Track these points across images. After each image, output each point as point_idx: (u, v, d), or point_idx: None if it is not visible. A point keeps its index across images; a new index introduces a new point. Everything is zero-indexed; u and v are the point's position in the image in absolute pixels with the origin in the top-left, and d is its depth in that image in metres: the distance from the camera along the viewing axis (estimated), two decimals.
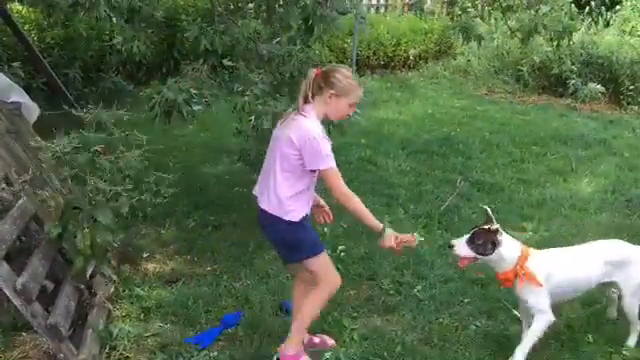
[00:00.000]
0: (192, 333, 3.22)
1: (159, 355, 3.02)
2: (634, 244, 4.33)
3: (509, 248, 2.92)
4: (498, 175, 5.78)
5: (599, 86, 5.81)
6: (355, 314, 3.47)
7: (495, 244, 2.89)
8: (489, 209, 2.97)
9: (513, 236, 4.39)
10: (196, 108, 3.93)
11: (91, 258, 3.09)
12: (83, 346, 2.82)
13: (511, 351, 3.02)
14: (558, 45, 5.47)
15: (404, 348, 3.15)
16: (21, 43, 7.21)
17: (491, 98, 9.43)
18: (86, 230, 3.02)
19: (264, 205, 2.83)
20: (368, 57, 10.58)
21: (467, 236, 2.94)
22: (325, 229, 4.49)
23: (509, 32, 8.55)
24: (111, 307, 3.27)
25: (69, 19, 7.01)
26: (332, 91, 2.73)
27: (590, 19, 10.28)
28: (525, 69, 9.44)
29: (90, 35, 8.75)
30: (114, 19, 3.87)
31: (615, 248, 3.15)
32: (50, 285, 3.29)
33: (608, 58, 8.96)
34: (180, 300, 3.52)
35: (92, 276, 3.28)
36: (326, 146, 2.73)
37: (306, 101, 2.79)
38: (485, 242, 2.89)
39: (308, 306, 2.95)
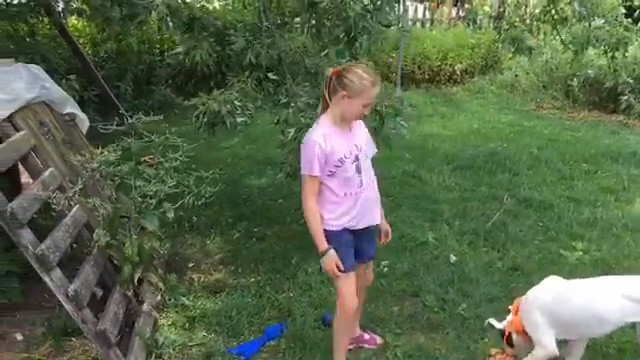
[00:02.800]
0: (235, 344, 3.24)
1: None
2: None
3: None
4: (546, 192, 5.64)
5: None
6: (398, 330, 3.43)
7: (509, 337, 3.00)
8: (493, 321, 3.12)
9: (563, 255, 4.35)
10: (239, 120, 3.98)
11: (138, 265, 3.15)
12: (130, 353, 2.87)
13: None
14: (613, 57, 5.31)
15: None
16: (76, 56, 7.48)
17: (539, 114, 9.24)
18: (134, 237, 3.09)
19: None
20: (413, 71, 10.54)
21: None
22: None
23: (560, 46, 8.40)
24: (157, 315, 3.32)
25: (122, 33, 7.24)
26: (344, 92, 2.66)
27: None
28: (575, 84, 9.21)
29: (141, 49, 9.04)
30: (172, 27, 3.94)
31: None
32: (99, 292, 3.38)
33: None
34: (224, 310, 3.55)
35: (140, 284, 3.34)
36: (309, 151, 2.69)
37: (326, 102, 2.76)
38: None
39: (334, 334, 2.99)
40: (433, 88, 10.58)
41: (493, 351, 3.20)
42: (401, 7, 4.06)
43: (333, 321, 3.38)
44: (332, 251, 2.77)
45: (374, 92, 2.71)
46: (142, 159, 3.38)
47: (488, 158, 6.55)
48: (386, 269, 4.12)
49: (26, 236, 2.65)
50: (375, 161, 6.49)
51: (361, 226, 2.90)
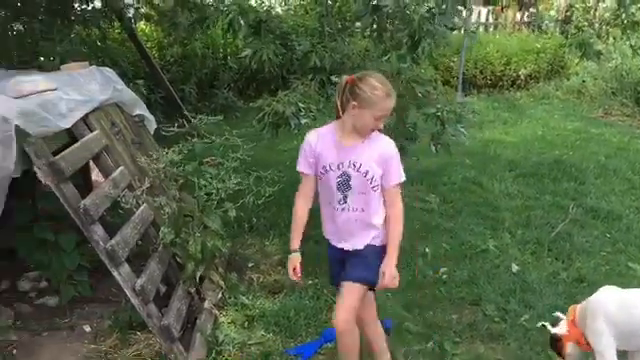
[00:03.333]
0: (293, 344, 3.27)
1: None
2: None
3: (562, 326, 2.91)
4: (615, 202, 5.42)
5: None
6: (457, 339, 3.37)
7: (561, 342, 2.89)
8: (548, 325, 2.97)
9: (631, 268, 4.18)
10: (303, 121, 4.03)
11: (201, 263, 3.24)
12: (192, 349, 2.95)
13: None
14: None
15: None
16: (144, 60, 7.75)
17: (607, 121, 8.89)
18: (197, 235, 3.18)
19: None
20: (475, 76, 10.37)
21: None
22: (426, 249, 4.43)
23: (631, 51, 8.08)
24: (218, 313, 3.39)
25: (188, 38, 7.45)
26: (354, 102, 2.46)
27: None
28: None
29: (205, 53, 9.27)
30: (242, 32, 4.04)
31: None
32: (162, 288, 3.48)
33: None
34: (282, 311, 3.59)
35: (201, 282, 3.42)
36: (302, 147, 2.62)
37: (337, 111, 2.55)
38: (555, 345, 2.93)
39: None
40: (495, 93, 10.37)
41: None
42: (464, 11, 3.98)
43: (387, 327, 3.38)
44: (296, 254, 2.71)
45: (387, 104, 2.47)
46: (204, 160, 3.49)
47: (553, 166, 6.36)
48: (445, 276, 4.06)
49: (98, 232, 2.76)
50: (435, 166, 6.42)
51: (340, 246, 2.72)
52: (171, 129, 3.48)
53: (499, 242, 4.59)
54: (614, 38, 9.98)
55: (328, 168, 2.57)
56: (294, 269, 2.70)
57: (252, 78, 9.51)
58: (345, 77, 2.55)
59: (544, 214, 5.13)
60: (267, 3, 9.80)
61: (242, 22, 4.07)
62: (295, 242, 2.72)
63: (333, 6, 5.60)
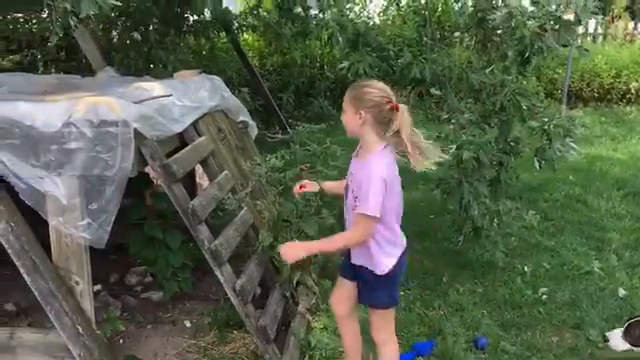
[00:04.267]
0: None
1: None
2: None
3: None
4: None
5: None
6: None
7: None
8: None
9: None
10: None
11: (297, 268, 3.30)
12: (286, 351, 3.01)
13: None
14: None
15: None
16: (246, 68, 8.04)
17: None
18: (295, 240, 3.24)
19: None
20: (581, 89, 9.90)
21: (623, 328, 2.70)
22: (526, 268, 4.27)
23: None
24: (310, 318, 3.45)
25: (288, 48, 7.66)
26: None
27: None
28: None
29: (304, 63, 9.48)
30: (341, 44, 4.13)
31: None
32: (258, 290, 3.59)
33: None
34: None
35: (296, 286, 3.49)
36: None
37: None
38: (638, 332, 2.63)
39: None
40: (603, 107, 9.84)
41: None
42: (579, 28, 3.81)
43: (482, 345, 3.29)
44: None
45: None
46: (301, 166, 3.56)
47: None
48: (545, 297, 3.89)
49: (204, 232, 2.89)
50: (536, 182, 6.19)
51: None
52: (276, 136, 3.60)
53: (605, 264, 4.34)
54: None
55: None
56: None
57: (346, 88, 9.59)
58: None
59: None
60: (366, 13, 9.89)
61: (340, 38, 4.15)
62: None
63: (432, 16, 5.54)
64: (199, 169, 4.06)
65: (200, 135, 3.46)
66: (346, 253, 2.79)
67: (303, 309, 3.40)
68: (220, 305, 3.60)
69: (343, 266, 2.85)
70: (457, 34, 5.72)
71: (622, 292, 3.94)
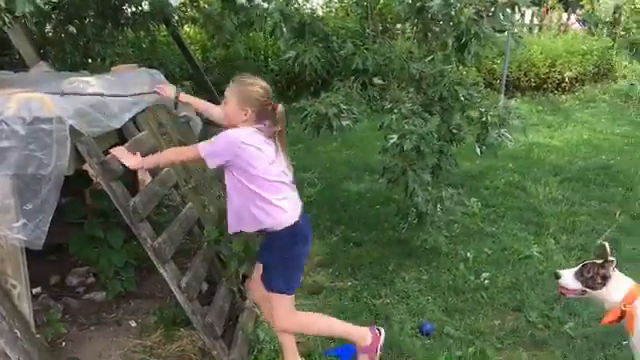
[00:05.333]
0: (333, 345, 3.28)
1: None
2: None
3: (618, 285, 2.66)
4: None
5: None
6: (499, 345, 3.33)
7: (605, 278, 2.66)
8: (607, 245, 2.71)
9: None
10: (344, 123, 4.03)
11: (244, 261, 3.28)
12: (234, 346, 3.00)
13: None
14: None
15: None
16: (188, 62, 7.88)
17: None
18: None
19: None
20: (518, 78, 10.21)
21: (576, 268, 2.76)
22: (468, 254, 4.39)
23: None
24: (259, 312, 3.43)
25: (231, 40, 7.55)
26: None
27: None
28: None
29: (247, 55, 9.39)
30: (285, 34, 4.10)
31: None
32: (205, 286, 3.55)
33: None
34: (322, 312, 3.59)
35: (244, 280, 3.47)
36: None
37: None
38: (594, 276, 2.68)
39: None
40: (539, 96, 10.19)
41: None
42: (515, 13, 3.90)
43: (428, 331, 3.37)
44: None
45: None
46: None
47: (599, 171, 6.22)
48: (487, 281, 4.01)
49: (146, 229, 2.83)
50: (477, 170, 6.34)
51: None
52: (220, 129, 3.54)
53: (543, 248, 4.51)
54: None
55: None
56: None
57: (292, 80, 9.58)
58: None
59: (590, 220, 5.03)
60: (309, 5, 9.87)
61: (285, 29, 4.13)
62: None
63: (374, 8, 5.59)
64: None
65: (140, 130, 3.38)
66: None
67: (251, 303, 3.38)
68: (166, 303, 3.54)
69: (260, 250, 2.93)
70: (399, 25, 5.77)
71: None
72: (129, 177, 3.65)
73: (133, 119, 3.35)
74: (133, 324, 3.54)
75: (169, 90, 3.22)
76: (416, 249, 4.43)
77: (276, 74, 9.66)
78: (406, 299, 3.83)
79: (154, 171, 3.36)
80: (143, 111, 3.51)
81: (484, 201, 5.44)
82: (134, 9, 6.01)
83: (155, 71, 4.11)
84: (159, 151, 3.04)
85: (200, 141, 2.80)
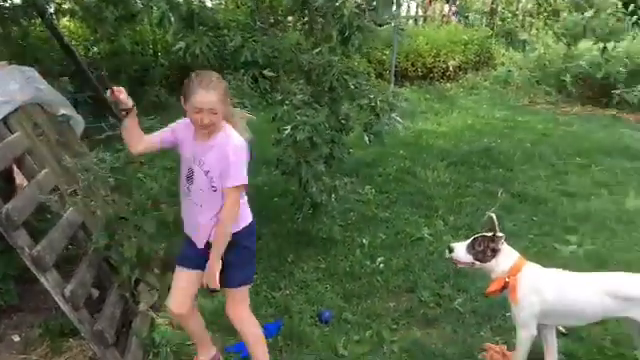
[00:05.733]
0: (233, 341, 3.25)
1: None
2: None
3: (505, 257, 2.86)
4: (541, 187, 5.68)
5: None
6: (394, 326, 3.45)
7: (495, 251, 2.84)
8: (494, 217, 2.89)
9: (557, 249, 4.39)
10: None
11: (136, 266, 3.16)
12: (127, 353, 2.89)
13: None
14: (605, 48, 5.33)
15: None
16: (69, 58, 7.45)
17: (532, 109, 9.27)
18: (133, 239, 3.10)
19: None
20: (407, 68, 10.56)
21: (468, 241, 2.91)
22: (364, 240, 4.50)
23: (552, 41, 8.44)
24: (154, 315, 3.33)
25: (115, 34, 7.23)
26: (182, 97, 2.54)
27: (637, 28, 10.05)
28: (568, 79, 9.25)
29: (135, 50, 9.02)
30: (173, 24, 3.95)
31: (630, 282, 2.78)
32: (95, 292, 3.39)
33: None
34: (221, 308, 3.52)
35: (136, 284, 3.34)
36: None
37: None
38: (485, 249, 2.85)
39: None
40: (427, 85, 10.61)
41: (486, 345, 3.23)
42: (394, 6, 4.04)
43: (327, 318, 3.42)
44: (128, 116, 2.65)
45: (200, 97, 2.45)
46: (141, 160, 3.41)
47: (482, 154, 6.58)
48: (382, 265, 4.14)
49: (22, 237, 2.65)
50: (370, 158, 6.51)
51: (189, 234, 2.76)
52: (100, 128, 3.38)
53: (433, 230, 4.72)
54: (537, 29, 10.42)
55: (184, 155, 2.67)
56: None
57: (184, 74, 9.30)
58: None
59: (475, 200, 5.32)
60: None
61: (173, 18, 4.00)
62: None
63: (264, 1, 5.57)
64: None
65: (12, 132, 3.15)
66: (186, 242, 2.75)
67: (145, 307, 3.27)
68: (52, 314, 3.34)
69: (184, 256, 2.79)
70: (291, 18, 5.78)
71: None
72: (4, 182, 3.40)
73: (4, 119, 3.12)
74: (16, 339, 3.30)
75: (127, 100, 2.60)
76: (314, 239, 4.48)
77: (167, 69, 9.37)
78: (305, 289, 3.87)
79: (30, 174, 3.15)
80: (15, 111, 3.28)
81: (378, 188, 5.60)
82: (2, 2, 5.58)
83: (28, 68, 3.86)
84: (33, 153, 2.85)
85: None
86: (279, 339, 3.28)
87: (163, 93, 8.98)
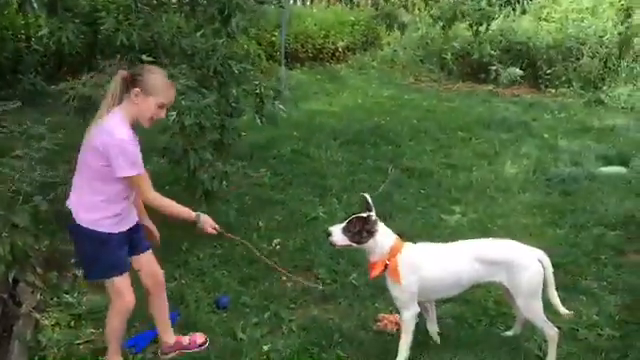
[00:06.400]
0: (127, 337, 3.14)
1: None
2: (555, 220, 4.59)
3: (383, 239, 2.90)
4: (427, 161, 5.94)
5: (518, 70, 6.04)
6: (293, 305, 3.50)
7: (370, 233, 2.87)
8: (368, 197, 2.95)
9: (443, 219, 4.63)
10: None
11: (12, 265, 2.94)
12: (9, 358, 2.70)
13: (440, 331, 3.15)
14: (477, 31, 5.65)
15: (342, 335, 3.21)
16: None
17: (418, 87, 9.65)
18: (5, 235, 2.88)
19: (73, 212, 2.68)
20: (297, 50, 10.57)
21: (343, 224, 2.91)
22: (260, 223, 4.50)
23: (432, 20, 8.79)
24: (38, 316, 3.14)
25: None
26: (137, 89, 2.59)
27: (508, 6, 10.70)
28: (448, 57, 9.70)
29: (5, 35, 8.37)
30: (36, 10, 3.68)
31: (494, 248, 3.00)
32: None
33: (526, 44, 9.36)
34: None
35: (16, 284, 3.13)
36: (133, 149, 2.60)
37: (114, 103, 2.65)
38: (360, 230, 2.86)
39: (108, 332, 2.89)
40: (317, 66, 10.69)
41: (380, 316, 3.35)
42: None
43: (224, 304, 3.40)
44: (204, 214, 2.88)
45: (171, 93, 2.69)
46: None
47: (372, 132, 6.77)
48: (278, 247, 4.17)
49: None
50: (264, 141, 6.47)
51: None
52: None
53: (327, 208, 4.80)
54: (419, 9, 10.79)
55: None
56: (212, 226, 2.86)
57: (61, 60, 8.78)
58: (123, 72, 2.67)
59: (367, 177, 5.47)
60: None
61: (35, 4, 3.74)
62: (191, 211, 2.86)
63: None
64: None
65: None
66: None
67: (28, 308, 3.07)
68: None
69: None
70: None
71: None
72: None
73: None
74: None
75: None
76: None
77: (42, 55, 8.75)
78: (201, 276, 3.82)
79: None
80: None
81: (272, 170, 5.60)
82: None
83: None
84: None
85: None
86: (175, 329, 3.20)
87: (39, 81, 8.40)
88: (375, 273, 2.93)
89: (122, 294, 2.76)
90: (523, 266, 2.89)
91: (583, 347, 3.15)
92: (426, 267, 2.91)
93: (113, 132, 2.54)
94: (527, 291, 2.89)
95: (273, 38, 10.17)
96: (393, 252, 2.89)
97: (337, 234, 2.90)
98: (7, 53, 8.39)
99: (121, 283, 2.75)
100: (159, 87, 2.62)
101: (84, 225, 2.64)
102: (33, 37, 8.73)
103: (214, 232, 2.88)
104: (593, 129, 7.05)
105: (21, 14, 8.42)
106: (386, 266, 2.89)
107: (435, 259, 2.95)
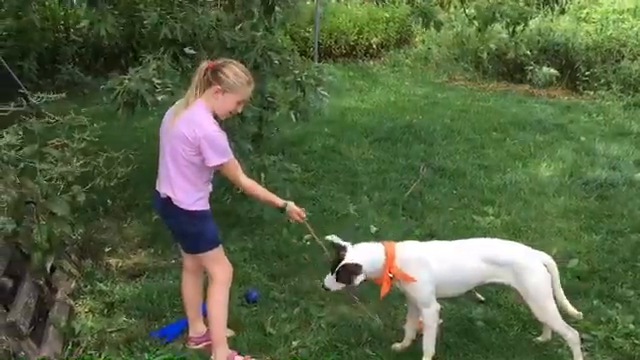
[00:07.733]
0: (157, 327, 3.19)
1: (124, 350, 2.99)
2: (591, 226, 4.48)
3: (371, 261, 2.88)
4: (459, 161, 5.87)
5: (553, 70, 5.91)
6: (322, 302, 3.49)
7: (357, 272, 2.86)
8: (334, 238, 3.03)
9: (476, 221, 4.56)
10: (160, 98, 3.85)
11: (49, 252, 3.01)
12: (44, 343, 2.77)
13: (471, 334, 3.10)
14: (514, 31, 5.54)
15: (371, 334, 3.19)
16: None
17: (451, 85, 9.53)
18: (42, 223, 2.94)
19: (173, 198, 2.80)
20: (330, 46, 10.57)
21: (334, 275, 2.92)
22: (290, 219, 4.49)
23: (467, 20, 8.66)
24: (73, 303, 3.21)
25: (22, 9, 6.77)
26: (219, 87, 2.70)
27: (547, 6, 10.48)
28: (484, 56, 9.55)
29: (45, 26, 8.52)
30: (75, 3, 3.74)
31: (497, 248, 2.99)
32: (8, 282, 3.20)
33: (564, 44, 9.15)
34: (145, 294, 3.47)
35: (52, 271, 3.19)
36: (222, 139, 2.72)
37: (196, 95, 2.74)
38: (347, 274, 2.88)
39: (214, 307, 2.95)
40: (350, 62, 10.67)
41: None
42: None
43: (254, 298, 3.41)
44: (290, 202, 3.03)
45: (249, 90, 2.81)
46: (50, 142, 3.22)
47: (405, 130, 6.71)
48: (308, 243, 4.16)
49: None
50: (296, 137, 6.49)
51: None
52: (6, 109, 3.16)
53: (358, 206, 4.78)
54: (455, 7, 10.64)
55: None
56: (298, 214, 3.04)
57: (99, 52, 8.93)
58: (205, 64, 2.74)
59: (398, 176, 5.43)
60: None
61: None
62: (279, 198, 3.04)
63: None
64: None
65: None
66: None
67: (63, 295, 3.13)
68: None
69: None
70: None
71: (373, 229, 4.39)
72: None
73: None
74: None
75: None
76: (241, 219, 4.44)
77: (80, 46, 8.91)
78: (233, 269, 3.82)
79: None
80: None
81: (303, 166, 5.58)
82: None
83: None
84: None
85: None
86: (206, 321, 3.23)
87: (77, 72, 8.55)
88: (385, 290, 2.90)
89: (224, 262, 2.97)
90: (529, 269, 2.87)
91: (618, 356, 3.08)
92: (434, 262, 2.88)
93: (202, 124, 2.67)
94: (535, 294, 2.87)
95: (307, 34, 10.18)
96: (389, 260, 2.86)
97: (332, 284, 2.95)
98: (47, 43, 8.56)
99: (220, 252, 2.96)
100: (239, 85, 2.72)
101: (186, 208, 2.78)
102: (72, 28, 8.90)
103: (300, 220, 3.06)
104: (632, 133, 6.85)
105: (60, 5, 8.59)
106: (391, 278, 2.86)
107: (438, 254, 2.94)
